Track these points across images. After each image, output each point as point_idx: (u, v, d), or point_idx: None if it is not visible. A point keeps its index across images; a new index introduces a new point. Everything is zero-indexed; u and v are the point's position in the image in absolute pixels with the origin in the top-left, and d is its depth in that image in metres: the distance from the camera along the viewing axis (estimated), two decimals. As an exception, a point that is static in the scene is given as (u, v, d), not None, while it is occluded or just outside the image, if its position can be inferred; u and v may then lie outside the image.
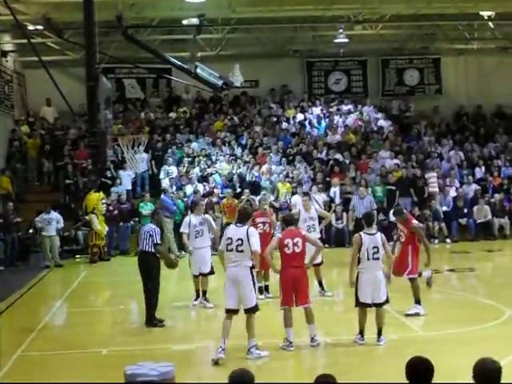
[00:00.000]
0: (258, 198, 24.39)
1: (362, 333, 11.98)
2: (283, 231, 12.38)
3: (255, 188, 25.26)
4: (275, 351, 11.67)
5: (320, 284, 16.02)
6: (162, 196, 24.46)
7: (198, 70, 22.39)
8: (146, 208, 24.38)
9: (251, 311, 11.31)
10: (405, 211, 15.28)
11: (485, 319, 13.21)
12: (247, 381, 6.34)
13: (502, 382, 6.06)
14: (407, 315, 13.69)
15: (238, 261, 11.28)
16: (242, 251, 11.28)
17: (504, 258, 23.09)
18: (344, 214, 24.57)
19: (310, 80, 31.99)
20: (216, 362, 10.83)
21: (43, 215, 22.73)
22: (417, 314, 13.70)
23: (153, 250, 13.78)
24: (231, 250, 11.35)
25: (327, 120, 29.69)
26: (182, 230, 15.97)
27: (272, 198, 24.80)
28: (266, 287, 15.86)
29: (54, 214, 22.91)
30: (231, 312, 11.34)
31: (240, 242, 11.30)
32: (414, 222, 14.41)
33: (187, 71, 22.72)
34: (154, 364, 6.74)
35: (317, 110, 30.25)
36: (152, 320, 13.80)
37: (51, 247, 22.60)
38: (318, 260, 15.23)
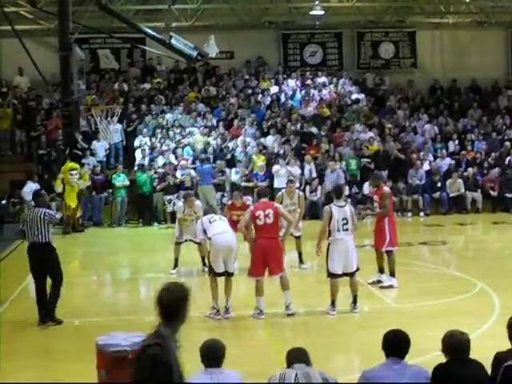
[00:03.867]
0: (233, 171, 24.51)
1: (333, 303, 12.10)
2: (256, 203, 12.49)
3: (230, 160, 25.27)
4: (245, 320, 11.77)
5: (299, 256, 16.08)
6: (198, 165, 24.49)
7: (173, 41, 22.21)
8: (119, 179, 24.35)
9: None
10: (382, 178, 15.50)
11: (456, 292, 13.33)
12: (217, 351, 6.38)
13: (473, 354, 6.12)
14: (382, 287, 13.79)
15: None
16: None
17: (476, 232, 23.29)
18: (319, 186, 24.58)
19: (286, 52, 31.82)
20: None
21: (30, 185, 22.29)
22: (390, 287, 13.81)
23: (52, 240, 12.30)
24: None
25: (302, 93, 29.62)
26: (178, 216, 16.15)
27: (247, 171, 24.83)
28: None
29: (35, 185, 22.56)
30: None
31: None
32: (386, 188, 14.54)
33: (162, 41, 22.52)
34: (125, 334, 6.72)
35: (292, 83, 30.16)
36: (54, 315, 12.09)
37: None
38: (298, 233, 15.59)
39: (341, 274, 12.01)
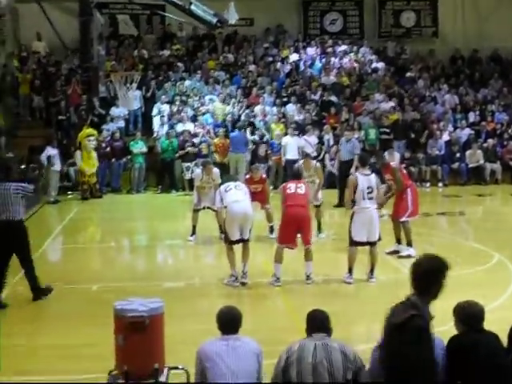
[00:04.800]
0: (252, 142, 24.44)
1: (350, 271, 12.12)
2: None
3: (250, 127, 25.18)
4: (263, 288, 11.84)
5: (318, 225, 16.09)
6: (231, 132, 24.48)
7: (193, 7, 22.15)
8: (137, 146, 24.35)
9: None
10: (385, 157, 15.51)
11: (474, 263, 13.31)
12: (234, 317, 6.42)
13: (489, 326, 6.12)
14: (399, 257, 13.80)
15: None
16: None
17: (494, 203, 23.18)
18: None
19: (306, 20, 31.63)
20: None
21: (49, 149, 22.36)
22: (409, 256, 13.77)
23: (23, 216, 11.44)
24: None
25: (322, 61, 29.45)
26: (195, 183, 16.16)
27: (267, 136, 24.75)
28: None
29: (54, 150, 22.63)
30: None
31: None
32: (392, 164, 14.51)
33: (181, 8, 22.48)
34: (143, 300, 6.76)
35: (311, 51, 29.98)
36: (40, 290, 11.46)
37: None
38: (318, 202, 15.81)
39: (365, 242, 12.03)
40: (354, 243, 12.07)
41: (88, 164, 23.03)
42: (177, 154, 24.16)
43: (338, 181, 20.82)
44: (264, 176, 16.29)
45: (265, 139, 24.56)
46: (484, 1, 31.39)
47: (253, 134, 24.83)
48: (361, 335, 9.83)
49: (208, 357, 6.13)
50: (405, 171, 15.56)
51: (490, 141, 25.97)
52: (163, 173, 24.50)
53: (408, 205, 13.99)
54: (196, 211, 15.90)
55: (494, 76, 29.79)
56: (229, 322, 6.36)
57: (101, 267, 14.34)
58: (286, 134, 24.55)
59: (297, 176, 13.02)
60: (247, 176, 16.21)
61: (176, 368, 6.82)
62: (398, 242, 14.20)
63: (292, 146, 23.67)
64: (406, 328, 5.02)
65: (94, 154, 23.28)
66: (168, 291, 11.56)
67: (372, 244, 12.12)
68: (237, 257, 12.18)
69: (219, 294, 11.70)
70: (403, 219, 13.97)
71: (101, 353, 8.02)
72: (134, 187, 24.29)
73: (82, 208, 21.63)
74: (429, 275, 5.16)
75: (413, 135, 26.01)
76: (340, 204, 18.45)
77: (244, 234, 12.11)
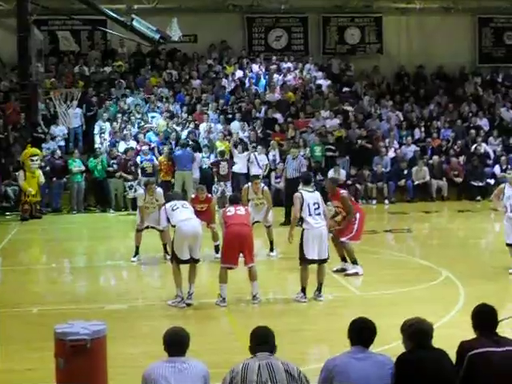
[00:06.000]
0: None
1: (304, 290, 12.10)
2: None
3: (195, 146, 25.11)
4: (209, 309, 11.80)
5: (271, 244, 16.22)
6: (177, 150, 24.27)
7: (135, 23, 22.15)
8: (75, 164, 24.11)
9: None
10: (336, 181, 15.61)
11: (421, 280, 13.43)
12: (181, 339, 6.36)
13: (438, 343, 6.18)
14: (346, 275, 13.87)
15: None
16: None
17: (441, 220, 23.46)
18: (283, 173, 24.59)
19: (250, 36, 31.77)
20: None
21: None
22: (356, 274, 13.88)
23: None
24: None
25: (267, 78, 29.59)
26: (138, 203, 16.04)
27: (211, 157, 24.70)
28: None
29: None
30: None
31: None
32: (342, 191, 14.49)
33: (123, 24, 22.45)
34: (85, 323, 6.68)
35: (256, 67, 30.10)
36: None
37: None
38: (268, 223, 16.20)
39: (316, 260, 12.04)
40: (306, 261, 12.07)
41: (31, 184, 22.73)
42: (117, 174, 23.96)
43: (284, 198, 20.88)
44: (209, 196, 16.37)
45: (226, 157, 24.46)
46: (428, 18, 31.84)
47: (199, 151, 24.76)
48: (310, 354, 9.84)
49: (154, 380, 6.06)
50: (352, 197, 15.72)
51: (436, 157, 26.31)
52: (97, 192, 24.43)
53: (354, 228, 14.11)
54: (139, 231, 15.81)
55: (439, 92, 30.25)
56: (176, 343, 6.30)
57: (41, 289, 14.12)
58: (231, 151, 24.61)
59: (235, 201, 12.92)
60: (192, 195, 16.27)
61: (119, 392, 6.75)
62: (343, 260, 14.28)
63: (241, 160, 24.08)
64: None
65: (39, 172, 22.99)
66: (110, 313, 11.44)
67: (322, 261, 12.15)
68: (182, 277, 12.12)
69: (164, 316, 11.61)
70: (343, 239, 14.04)
71: (42, 377, 7.90)
72: (74, 207, 24.06)
73: (21, 229, 21.34)
74: None
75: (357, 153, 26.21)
76: (286, 222, 18.51)
77: (194, 254, 12.04)
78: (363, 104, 29.10)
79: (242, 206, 12.88)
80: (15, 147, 24.48)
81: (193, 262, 12.09)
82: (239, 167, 24.14)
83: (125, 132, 25.45)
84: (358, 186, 24.90)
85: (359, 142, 26.48)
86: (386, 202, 25.46)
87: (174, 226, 12.16)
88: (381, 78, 31.20)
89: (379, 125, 27.88)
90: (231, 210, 12.33)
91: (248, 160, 24.21)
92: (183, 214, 12.13)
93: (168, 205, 12.52)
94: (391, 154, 26.62)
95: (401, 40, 32.12)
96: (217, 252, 15.37)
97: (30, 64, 21.93)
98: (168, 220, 12.27)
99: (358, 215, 14.23)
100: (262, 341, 6.18)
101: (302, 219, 12.15)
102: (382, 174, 25.69)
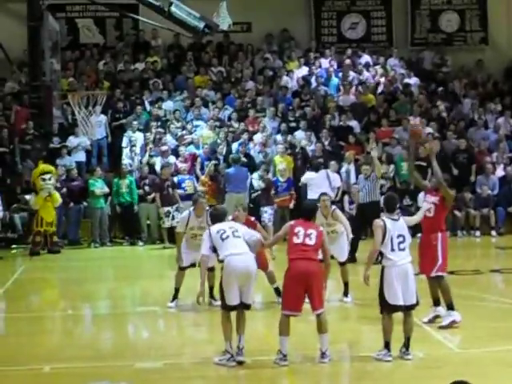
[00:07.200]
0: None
1: (388, 346, 11.94)
2: (295, 220, 12.48)
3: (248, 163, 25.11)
4: (265, 368, 11.74)
5: (345, 286, 16.13)
6: (230, 168, 24.41)
7: (173, 9, 22.32)
8: (97, 185, 24.23)
9: None
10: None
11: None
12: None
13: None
14: (440, 328, 13.69)
15: None
16: None
17: None
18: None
19: (319, 24, 31.90)
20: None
21: None
22: (453, 323, 13.67)
23: None
24: None
25: (339, 76, 29.61)
26: (177, 229, 16.06)
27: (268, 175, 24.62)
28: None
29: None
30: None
31: None
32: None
33: (159, 9, 22.65)
34: (109, 384, 6.73)
35: (326, 63, 30.14)
36: None
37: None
38: (343, 259, 16.10)
39: (402, 306, 11.88)
40: (388, 309, 11.93)
41: (47, 210, 22.96)
42: (150, 197, 24.13)
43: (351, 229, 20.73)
44: (252, 219, 16.04)
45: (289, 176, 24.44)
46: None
47: (253, 168, 24.75)
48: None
49: None
50: None
51: (559, 177, 26.05)
52: (124, 220, 24.66)
53: (438, 255, 13.91)
54: (182, 269, 15.73)
55: (560, 93, 30.01)
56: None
57: (55, 343, 14.22)
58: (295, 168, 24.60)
59: (309, 214, 12.52)
60: (230, 217, 16.09)
61: None
62: (436, 303, 14.07)
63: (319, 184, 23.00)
64: None
65: (57, 195, 23.25)
66: (141, 373, 11.48)
67: (409, 308, 12.00)
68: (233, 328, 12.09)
69: (209, 377, 11.58)
70: (433, 274, 13.87)
71: None
72: (96, 239, 24.27)
73: (30, 266, 21.57)
74: None
75: (456, 171, 26.00)
76: (352, 259, 18.32)
77: (245, 298, 11.93)
78: (463, 108, 28.94)
79: (315, 226, 12.41)
80: (25, 163, 24.76)
81: (243, 307, 12.02)
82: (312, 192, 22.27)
83: (161, 146, 25.57)
84: (456, 212, 24.69)
85: (458, 156, 26.28)
86: (494, 233, 25.26)
87: (221, 261, 12.06)
88: (486, 76, 31.03)
89: (484, 135, 27.68)
90: (300, 233, 12.04)
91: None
92: (235, 246, 11.95)
93: (214, 228, 12.34)
94: (500, 172, 26.40)
95: (511, 27, 31.93)
96: (278, 295, 15.26)
97: (43, 60, 22.27)
98: (214, 250, 12.11)
99: (439, 236, 14.01)
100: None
101: (381, 254, 12.05)
102: (488, 198, 25.49)
